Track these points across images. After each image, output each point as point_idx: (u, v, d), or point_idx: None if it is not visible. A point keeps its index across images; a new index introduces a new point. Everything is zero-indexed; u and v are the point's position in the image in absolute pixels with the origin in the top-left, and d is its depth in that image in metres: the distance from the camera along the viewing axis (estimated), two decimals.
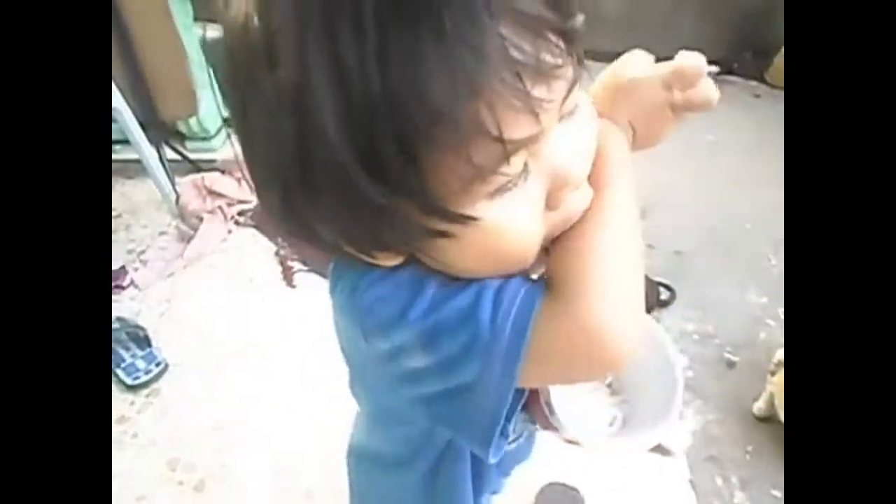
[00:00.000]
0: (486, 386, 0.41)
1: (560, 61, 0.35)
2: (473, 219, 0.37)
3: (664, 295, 1.92)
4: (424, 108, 0.31)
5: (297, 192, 0.37)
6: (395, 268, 0.44)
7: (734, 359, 1.78)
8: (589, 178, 0.44)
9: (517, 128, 0.34)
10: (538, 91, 0.34)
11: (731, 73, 3.36)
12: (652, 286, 1.88)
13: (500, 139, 0.34)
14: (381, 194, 0.34)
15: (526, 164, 0.38)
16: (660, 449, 0.61)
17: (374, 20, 0.30)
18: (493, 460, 0.45)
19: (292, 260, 2.08)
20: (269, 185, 0.40)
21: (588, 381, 0.56)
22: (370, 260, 0.43)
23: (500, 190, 0.38)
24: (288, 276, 2.02)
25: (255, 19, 0.34)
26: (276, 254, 2.12)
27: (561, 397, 0.52)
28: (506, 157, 0.35)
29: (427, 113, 0.31)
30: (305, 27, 0.31)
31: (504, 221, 0.39)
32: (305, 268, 2.04)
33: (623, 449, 0.58)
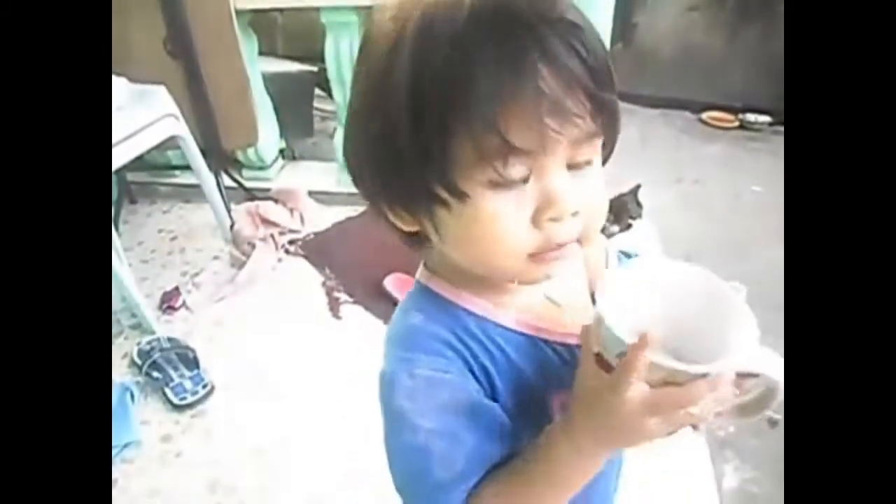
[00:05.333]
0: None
1: (579, 112, 0.44)
2: (466, 194, 0.45)
3: None
4: (467, 92, 0.42)
5: (369, 147, 0.49)
6: (422, 327, 0.54)
7: (776, 417, 1.74)
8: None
9: (522, 139, 0.43)
10: (551, 122, 0.43)
11: (781, 123, 3.34)
12: None
13: (505, 141, 0.43)
14: (417, 145, 0.45)
15: (528, 178, 0.46)
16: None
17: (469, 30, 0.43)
18: None
19: (339, 291, 2.13)
20: (359, 139, 0.51)
21: None
22: (393, 218, 0.53)
23: (496, 185, 0.45)
24: (334, 306, 2.07)
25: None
26: (324, 284, 2.18)
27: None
28: (505, 158, 0.44)
29: (467, 97, 0.42)
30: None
31: (492, 211, 0.46)
32: (351, 299, 2.09)
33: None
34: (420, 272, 0.59)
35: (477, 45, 0.42)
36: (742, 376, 0.48)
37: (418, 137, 0.44)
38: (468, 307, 0.55)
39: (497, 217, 0.46)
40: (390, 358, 0.55)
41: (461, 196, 0.45)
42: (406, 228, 0.53)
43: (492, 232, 0.47)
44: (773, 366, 0.48)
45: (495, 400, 0.54)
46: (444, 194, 0.46)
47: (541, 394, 0.55)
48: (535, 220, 0.47)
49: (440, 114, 0.43)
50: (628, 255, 0.67)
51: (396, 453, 0.54)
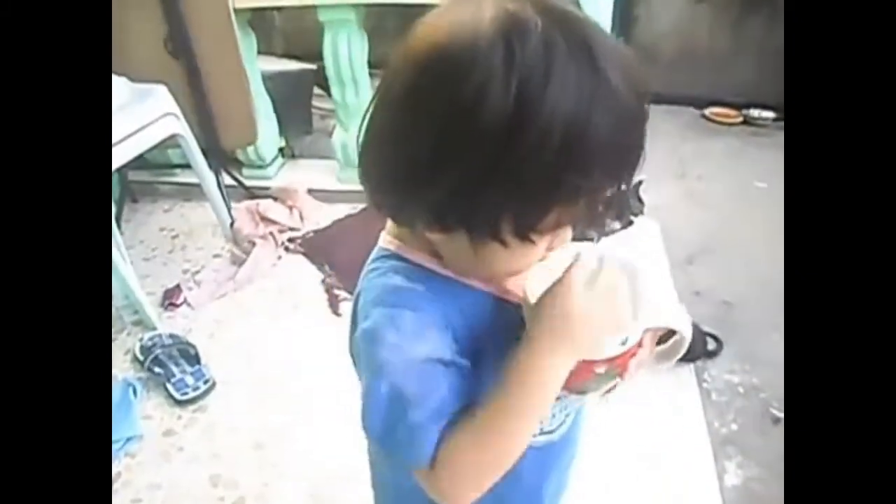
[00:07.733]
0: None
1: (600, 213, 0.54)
2: (532, 242, 0.51)
3: (711, 345, 1.88)
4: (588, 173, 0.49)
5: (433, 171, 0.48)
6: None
7: (780, 415, 1.74)
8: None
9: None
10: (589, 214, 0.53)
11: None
12: (700, 336, 1.86)
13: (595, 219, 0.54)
14: (511, 197, 0.48)
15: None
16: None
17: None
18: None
19: (338, 288, 2.13)
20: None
21: None
22: (425, 230, 0.54)
23: (545, 233, 0.52)
24: (334, 303, 2.08)
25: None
26: (323, 282, 2.18)
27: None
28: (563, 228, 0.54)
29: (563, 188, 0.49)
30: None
31: (535, 249, 0.54)
32: (350, 296, 2.08)
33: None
34: (385, 240, 0.63)
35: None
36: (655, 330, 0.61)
37: (517, 191, 0.48)
38: (440, 270, 0.59)
39: (535, 252, 0.54)
40: (375, 316, 0.57)
41: (527, 242, 0.51)
42: (427, 233, 0.56)
43: (525, 262, 0.56)
44: (677, 320, 0.60)
45: (461, 354, 0.58)
46: (511, 239, 0.51)
47: (505, 349, 0.58)
48: (550, 247, 0.56)
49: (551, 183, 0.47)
50: None
51: (374, 404, 0.56)
